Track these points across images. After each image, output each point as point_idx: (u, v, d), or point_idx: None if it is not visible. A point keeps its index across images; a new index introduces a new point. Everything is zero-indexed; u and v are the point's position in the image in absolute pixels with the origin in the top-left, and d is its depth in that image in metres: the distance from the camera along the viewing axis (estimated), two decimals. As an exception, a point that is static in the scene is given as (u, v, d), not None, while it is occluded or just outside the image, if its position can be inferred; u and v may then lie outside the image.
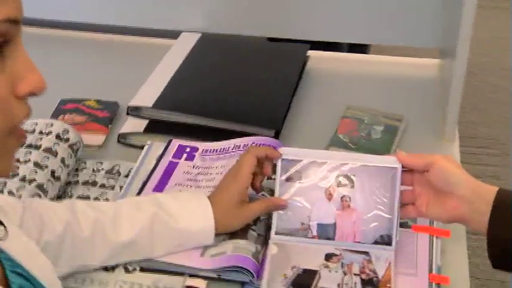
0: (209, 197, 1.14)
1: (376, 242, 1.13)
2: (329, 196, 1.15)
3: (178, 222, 1.10)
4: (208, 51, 1.63)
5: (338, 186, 1.15)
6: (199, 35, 1.68)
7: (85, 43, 1.76)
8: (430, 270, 1.11)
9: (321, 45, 1.72)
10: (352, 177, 1.15)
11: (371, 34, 1.69)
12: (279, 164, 1.15)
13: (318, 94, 1.58)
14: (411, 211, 1.13)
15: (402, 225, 1.18)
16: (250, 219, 1.15)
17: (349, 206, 1.14)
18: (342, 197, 1.14)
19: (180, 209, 1.12)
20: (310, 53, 1.67)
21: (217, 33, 1.70)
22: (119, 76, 1.58)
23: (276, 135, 1.38)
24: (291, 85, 1.52)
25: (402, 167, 1.13)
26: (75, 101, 1.49)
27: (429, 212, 1.11)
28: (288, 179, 1.15)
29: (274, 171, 1.16)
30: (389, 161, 1.14)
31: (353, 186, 1.14)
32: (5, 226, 0.82)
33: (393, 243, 1.13)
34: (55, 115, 1.45)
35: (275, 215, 1.15)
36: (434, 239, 1.17)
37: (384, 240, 1.13)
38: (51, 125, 1.28)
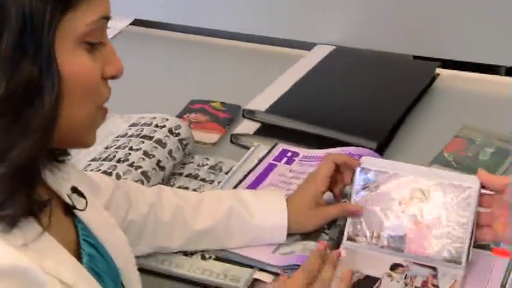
0: (287, 198, 1.21)
1: (445, 260, 1.14)
2: (402, 208, 1.17)
3: (253, 218, 1.19)
4: (336, 64, 1.69)
5: (412, 200, 1.17)
6: (333, 47, 1.75)
7: (223, 49, 1.89)
8: (501, 295, 1.10)
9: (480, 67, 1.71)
10: (427, 192, 1.16)
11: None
12: (357, 172, 1.20)
13: (439, 112, 1.59)
14: (486, 233, 1.13)
15: (484, 247, 1.17)
16: (323, 222, 1.21)
17: (421, 220, 1.16)
18: (415, 211, 1.17)
19: (258, 205, 1.20)
20: (441, 71, 1.68)
21: (351, 47, 1.76)
22: (249, 82, 1.68)
23: (380, 148, 1.41)
24: (406, 101, 1.55)
25: (482, 187, 1.13)
26: (203, 102, 1.62)
27: (506, 235, 1.10)
28: (365, 188, 1.20)
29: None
30: (468, 179, 1.14)
31: (427, 201, 1.16)
32: (85, 198, 0.94)
33: (463, 262, 1.13)
34: (183, 113, 1.59)
35: (349, 222, 1.20)
36: (514, 264, 1.16)
37: (454, 259, 1.14)
38: (167, 120, 1.43)
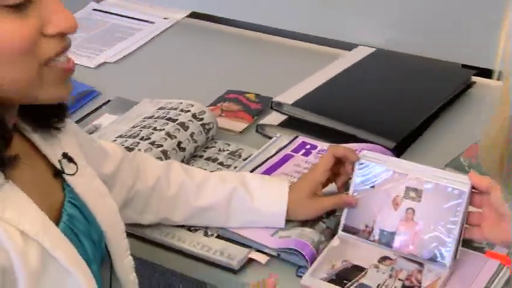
0: (290, 186, 1.27)
1: (431, 259, 1.18)
2: (395, 206, 1.21)
3: (254, 201, 1.25)
4: (372, 65, 1.73)
5: (406, 198, 1.21)
6: (373, 49, 1.79)
7: (268, 45, 1.96)
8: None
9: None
10: (421, 191, 1.20)
11: None
12: (356, 166, 1.25)
13: (468, 119, 1.60)
14: (475, 232, 1.16)
15: (477, 249, 1.20)
16: (319, 212, 1.26)
17: (412, 218, 1.20)
18: (407, 209, 1.20)
19: (260, 189, 1.26)
20: (478, 79, 1.69)
21: (392, 50, 1.79)
22: (289, 77, 1.72)
23: (399, 148, 1.45)
24: (433, 106, 1.57)
25: (474, 188, 1.16)
26: (238, 93, 1.70)
27: (491, 235, 1.13)
28: (362, 182, 1.24)
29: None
30: (460, 179, 1.17)
31: (419, 201, 1.20)
32: (76, 164, 1.01)
33: (448, 262, 1.16)
34: (217, 101, 1.67)
35: (344, 213, 1.25)
36: (505, 268, 1.18)
37: (440, 258, 1.17)
38: (192, 105, 1.51)
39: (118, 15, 2.14)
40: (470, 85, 1.69)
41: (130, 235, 1.24)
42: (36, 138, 0.98)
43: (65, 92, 0.91)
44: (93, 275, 0.96)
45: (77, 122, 1.61)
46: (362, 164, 1.25)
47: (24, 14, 0.82)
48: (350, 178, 1.27)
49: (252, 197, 1.25)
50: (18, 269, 0.84)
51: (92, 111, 1.67)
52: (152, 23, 2.08)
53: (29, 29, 0.83)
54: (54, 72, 0.87)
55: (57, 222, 0.94)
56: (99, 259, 1.03)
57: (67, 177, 0.99)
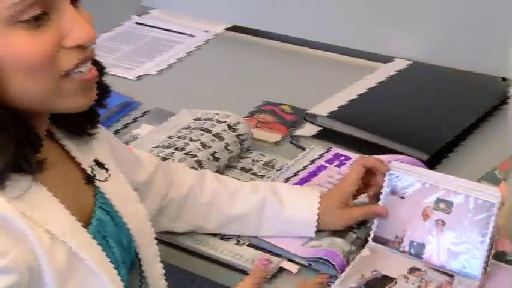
0: (321, 195, 1.28)
1: (462, 271, 1.18)
2: (425, 217, 1.22)
3: (285, 211, 1.26)
4: (408, 78, 1.74)
5: (436, 209, 1.21)
6: (410, 62, 1.80)
7: (305, 57, 1.98)
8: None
9: None
10: (451, 202, 1.20)
11: None
12: (387, 176, 1.26)
13: (504, 132, 1.59)
14: (505, 244, 1.16)
15: (509, 261, 1.20)
16: (349, 222, 1.27)
17: (442, 230, 1.20)
18: (437, 220, 1.21)
19: (292, 199, 1.28)
20: (516, 92, 1.69)
21: (429, 63, 1.80)
22: (325, 90, 1.73)
23: (432, 160, 1.45)
24: (469, 119, 1.58)
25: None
26: (274, 104, 1.72)
27: None
28: (393, 192, 1.25)
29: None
30: (491, 191, 1.18)
31: (449, 212, 1.20)
32: (107, 170, 1.04)
33: (479, 275, 1.16)
34: (253, 112, 1.70)
35: (375, 223, 1.26)
36: (537, 281, 1.17)
37: (470, 271, 1.17)
38: (227, 116, 1.54)
39: (160, 28, 2.18)
40: (507, 98, 1.68)
41: (163, 242, 1.28)
42: (69, 144, 1.01)
43: (85, 101, 0.92)
44: (121, 278, 0.98)
45: (117, 131, 1.65)
46: (392, 174, 1.26)
47: (43, 28, 0.84)
48: (381, 189, 1.28)
49: (283, 206, 1.27)
50: (45, 269, 0.86)
51: (131, 122, 1.70)
52: (192, 36, 2.12)
53: (48, 43, 0.85)
54: (74, 82, 0.89)
55: (86, 225, 0.97)
56: (128, 263, 1.05)
57: (98, 183, 1.02)
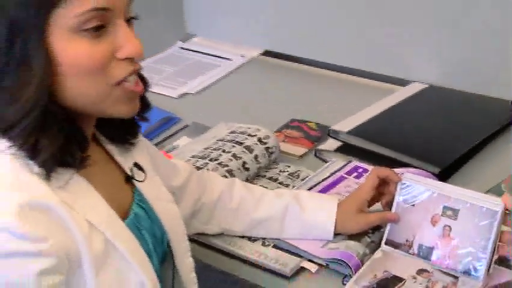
0: (339, 202, 1.28)
1: (466, 272, 1.17)
2: (434, 222, 1.21)
3: (305, 215, 1.26)
4: (424, 100, 1.74)
5: (443, 216, 1.20)
6: (426, 85, 1.80)
7: (331, 80, 1.99)
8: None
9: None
10: (457, 210, 1.19)
11: None
12: (399, 186, 1.25)
13: (509, 151, 1.58)
14: (506, 249, 1.15)
15: (509, 266, 1.19)
16: (364, 227, 1.27)
17: (449, 235, 1.19)
18: (444, 226, 1.20)
19: (312, 204, 1.28)
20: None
21: (444, 87, 1.79)
22: (349, 109, 1.73)
23: (443, 174, 1.44)
24: (477, 138, 1.57)
25: (507, 210, 1.15)
26: (301, 121, 1.73)
27: None
28: (404, 201, 1.25)
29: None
30: (494, 200, 1.17)
31: (456, 219, 1.19)
32: (145, 172, 1.06)
33: (481, 276, 1.15)
34: (282, 128, 1.70)
35: (387, 228, 1.25)
36: (538, 284, 1.16)
37: (474, 273, 1.16)
38: (258, 130, 1.54)
39: (201, 52, 2.21)
40: (513, 119, 1.67)
41: (197, 242, 1.29)
42: (112, 149, 1.03)
43: (130, 110, 0.94)
44: (154, 267, 0.98)
45: (159, 142, 1.67)
46: (404, 184, 1.25)
47: (100, 38, 0.87)
48: (394, 197, 1.27)
49: (304, 211, 1.27)
50: (83, 254, 0.87)
51: (173, 134, 1.72)
52: (229, 59, 2.14)
53: (103, 52, 0.87)
54: (123, 91, 0.90)
55: (124, 218, 0.98)
56: (160, 254, 1.06)
57: (136, 183, 1.04)
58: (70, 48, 0.85)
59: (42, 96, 0.85)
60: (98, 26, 0.86)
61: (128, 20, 0.91)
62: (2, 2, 0.84)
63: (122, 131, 1.03)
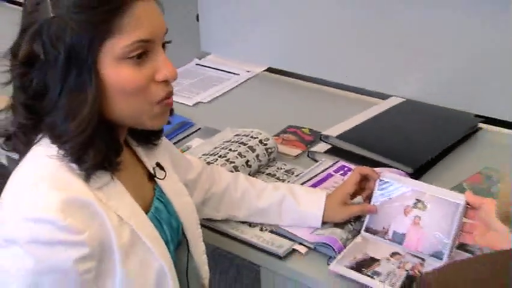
0: (326, 195, 1.32)
1: (432, 255, 1.21)
2: (406, 213, 1.26)
3: (298, 205, 1.31)
4: (400, 111, 1.78)
5: (414, 208, 1.25)
6: (404, 99, 1.85)
7: (323, 94, 2.03)
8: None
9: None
10: (426, 203, 1.24)
11: None
12: (377, 182, 1.30)
13: (473, 155, 1.62)
14: (468, 238, 1.19)
15: (469, 251, 1.23)
16: (348, 216, 1.31)
17: (419, 223, 1.24)
18: (415, 216, 1.25)
19: (304, 197, 1.32)
20: (484, 126, 1.72)
21: (420, 101, 1.83)
22: (336, 118, 1.76)
23: (416, 173, 1.49)
24: (445, 143, 1.61)
25: (468, 204, 1.19)
26: (297, 127, 1.77)
27: (480, 242, 1.16)
28: (382, 195, 1.29)
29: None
30: (457, 196, 1.21)
31: (424, 210, 1.24)
32: (165, 171, 1.09)
33: (444, 258, 1.20)
34: (280, 133, 1.75)
35: (367, 218, 1.30)
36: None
37: (438, 255, 1.20)
38: (260, 133, 1.59)
39: (213, 68, 2.25)
40: (477, 130, 1.72)
41: (207, 227, 1.33)
42: (139, 150, 1.06)
43: (164, 122, 0.98)
44: (170, 254, 1.01)
45: (176, 142, 1.71)
46: (382, 181, 1.30)
47: (142, 63, 0.89)
48: (373, 192, 1.32)
49: (297, 202, 1.31)
50: (114, 243, 0.90)
51: (187, 136, 1.76)
52: (237, 74, 2.19)
53: (145, 75, 0.90)
54: (161, 108, 0.94)
55: (146, 212, 1.01)
56: (176, 242, 1.09)
57: (158, 181, 1.07)
58: (116, 74, 0.88)
59: (94, 117, 0.87)
60: (141, 53, 0.89)
61: (163, 45, 0.94)
62: (61, 32, 0.85)
63: (148, 134, 1.06)
